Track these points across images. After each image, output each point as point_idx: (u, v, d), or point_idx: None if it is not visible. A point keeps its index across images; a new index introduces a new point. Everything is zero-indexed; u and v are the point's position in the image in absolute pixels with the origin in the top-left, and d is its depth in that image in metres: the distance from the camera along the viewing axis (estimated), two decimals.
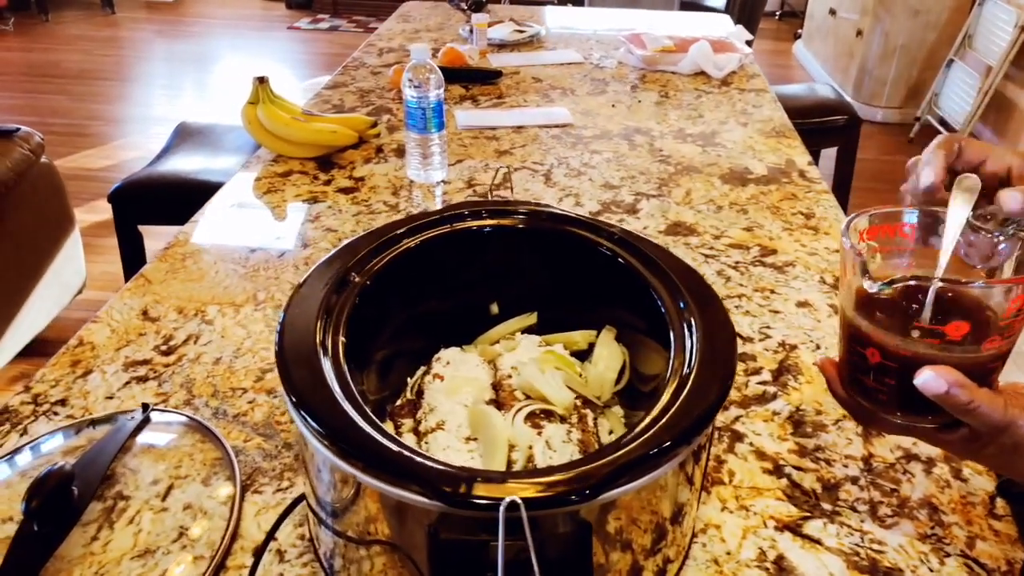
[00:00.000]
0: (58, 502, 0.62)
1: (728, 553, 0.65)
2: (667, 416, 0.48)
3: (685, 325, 0.56)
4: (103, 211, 3.00)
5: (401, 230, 0.67)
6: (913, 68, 4.02)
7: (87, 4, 6.00)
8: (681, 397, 0.49)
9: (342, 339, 0.55)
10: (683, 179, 1.31)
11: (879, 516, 0.68)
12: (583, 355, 0.71)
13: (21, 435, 0.76)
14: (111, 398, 0.81)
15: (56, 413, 0.78)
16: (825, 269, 1.05)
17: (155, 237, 2.33)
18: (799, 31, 5.33)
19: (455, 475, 0.43)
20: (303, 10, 6.10)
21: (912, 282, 0.47)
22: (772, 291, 1.00)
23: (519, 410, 0.58)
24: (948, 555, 0.65)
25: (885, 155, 3.72)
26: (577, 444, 0.57)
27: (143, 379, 0.83)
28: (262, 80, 1.31)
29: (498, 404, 0.61)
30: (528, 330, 0.73)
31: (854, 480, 0.72)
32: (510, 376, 0.63)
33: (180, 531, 0.65)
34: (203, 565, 0.62)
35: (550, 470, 0.44)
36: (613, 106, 1.64)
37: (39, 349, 2.26)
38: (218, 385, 0.83)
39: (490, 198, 1.12)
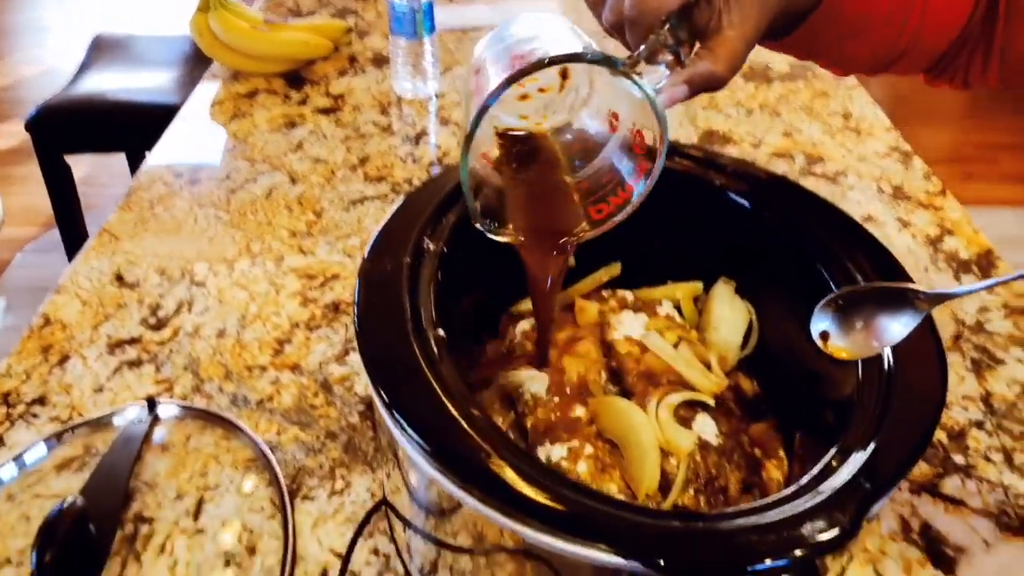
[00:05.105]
0: (75, 548, 0.49)
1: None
2: (888, 430, 0.38)
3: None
4: (12, 136, 2.69)
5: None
6: None
7: None
8: (894, 403, 0.40)
9: (440, 332, 0.43)
10: None
11: (1017, 465, 0.61)
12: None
13: None
14: (100, 391, 0.67)
15: (36, 415, 0.64)
16: (880, 176, 0.95)
17: (82, 164, 2.09)
18: None
19: (675, 533, 0.32)
20: None
21: None
22: None
23: (659, 402, 0.47)
24: None
25: None
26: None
27: (135, 363, 0.69)
28: None
29: (623, 392, 0.50)
30: (610, 284, 0.61)
31: (979, 424, 0.65)
32: (630, 354, 0.51)
33: (226, 557, 0.54)
34: None
35: (778, 503, 0.34)
36: None
37: None
38: (229, 364, 0.69)
39: None
